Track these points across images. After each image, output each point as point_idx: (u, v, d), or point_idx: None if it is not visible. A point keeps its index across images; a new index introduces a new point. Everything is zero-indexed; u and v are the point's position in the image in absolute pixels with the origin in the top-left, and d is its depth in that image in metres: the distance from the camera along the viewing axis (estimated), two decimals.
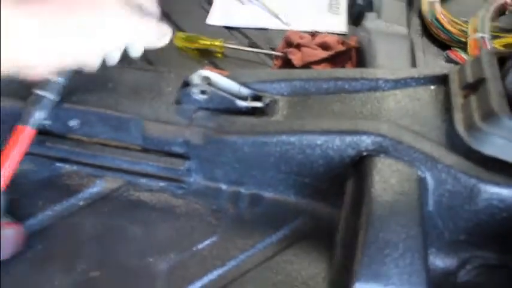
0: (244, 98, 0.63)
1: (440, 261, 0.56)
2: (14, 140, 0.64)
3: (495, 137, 0.50)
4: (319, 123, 0.59)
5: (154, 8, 0.59)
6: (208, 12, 1.01)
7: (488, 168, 0.51)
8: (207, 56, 0.91)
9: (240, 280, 0.58)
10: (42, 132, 0.67)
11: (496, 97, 0.52)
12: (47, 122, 0.67)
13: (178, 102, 0.64)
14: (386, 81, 0.62)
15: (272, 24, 0.97)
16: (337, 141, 0.57)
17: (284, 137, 0.58)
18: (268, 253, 0.61)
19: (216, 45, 0.89)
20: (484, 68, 0.56)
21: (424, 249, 0.48)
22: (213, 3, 1.02)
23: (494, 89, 0.53)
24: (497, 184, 0.50)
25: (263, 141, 0.59)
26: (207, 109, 0.63)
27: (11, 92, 0.69)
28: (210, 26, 0.98)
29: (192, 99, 0.63)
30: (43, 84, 0.65)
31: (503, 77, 0.55)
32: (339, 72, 0.66)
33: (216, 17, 0.99)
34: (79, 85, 0.68)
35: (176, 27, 0.97)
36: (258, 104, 0.63)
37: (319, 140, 0.57)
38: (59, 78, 0.65)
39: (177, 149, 0.64)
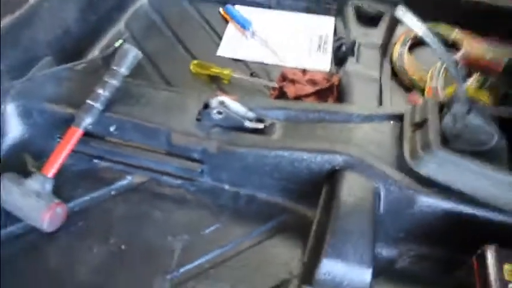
0: (250, 120, 0.82)
1: (385, 252, 0.77)
2: (67, 139, 0.83)
3: (429, 163, 0.71)
4: (306, 143, 0.78)
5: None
6: (218, 45, 1.20)
7: (423, 184, 0.71)
8: (215, 82, 1.09)
9: (236, 258, 0.77)
10: (85, 134, 0.85)
11: (432, 134, 0.72)
12: (90, 126, 0.84)
13: (199, 119, 0.83)
14: (358, 115, 0.83)
15: (270, 59, 1.16)
16: (318, 157, 0.76)
17: (279, 152, 0.78)
18: (258, 239, 0.80)
19: (224, 74, 1.08)
20: (428, 111, 0.76)
21: (373, 238, 0.67)
22: (223, 38, 1.22)
23: (432, 128, 0.73)
24: (427, 195, 0.70)
25: (263, 154, 0.79)
26: (221, 126, 0.82)
27: (63, 99, 0.87)
28: (219, 56, 1.17)
29: (210, 117, 0.81)
30: (93, 95, 0.83)
31: (440, 119, 0.75)
32: (323, 106, 0.87)
33: (225, 49, 1.19)
34: (119, 98, 0.86)
35: (191, 55, 1.16)
36: (261, 126, 0.82)
37: (305, 155, 0.77)
38: (105, 92, 0.84)
39: (195, 155, 0.83)
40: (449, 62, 0.68)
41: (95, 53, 1.14)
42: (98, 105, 0.83)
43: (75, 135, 0.82)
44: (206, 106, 0.83)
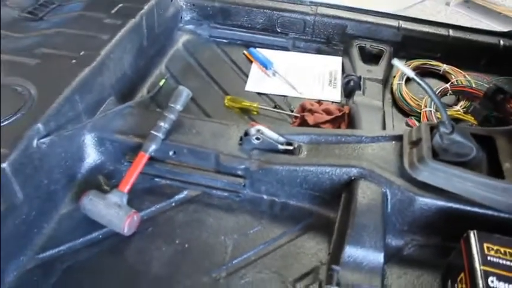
0: (281, 143, 1.04)
1: (393, 242, 0.97)
2: (137, 162, 1.04)
3: (423, 171, 0.92)
4: (327, 160, 1.00)
5: None
6: (245, 81, 1.43)
7: (420, 188, 0.93)
8: (246, 113, 1.32)
9: (275, 251, 0.98)
10: (149, 158, 1.06)
11: (426, 149, 0.93)
12: (153, 152, 1.06)
13: (241, 144, 1.05)
14: (367, 137, 1.05)
15: (290, 92, 1.39)
16: (337, 170, 0.98)
17: (306, 167, 1.00)
18: (292, 237, 1.00)
19: (254, 106, 1.31)
20: (421, 132, 0.98)
21: (383, 230, 0.88)
22: (249, 76, 1.45)
23: (425, 145, 0.95)
24: (424, 196, 0.92)
25: (294, 169, 1.00)
26: (259, 149, 1.04)
27: (129, 131, 1.09)
28: (247, 91, 1.40)
29: (250, 142, 1.03)
30: (156, 127, 1.05)
31: (431, 138, 0.96)
32: (338, 131, 1.09)
33: (251, 85, 1.42)
34: (175, 129, 1.08)
35: (223, 91, 1.39)
36: (290, 148, 1.04)
37: (327, 169, 0.98)
38: (166, 124, 1.05)
39: (239, 172, 1.05)
40: (434, 97, 0.89)
41: (143, 91, 1.37)
42: (160, 135, 1.05)
43: (143, 159, 1.04)
44: (246, 133, 1.04)
